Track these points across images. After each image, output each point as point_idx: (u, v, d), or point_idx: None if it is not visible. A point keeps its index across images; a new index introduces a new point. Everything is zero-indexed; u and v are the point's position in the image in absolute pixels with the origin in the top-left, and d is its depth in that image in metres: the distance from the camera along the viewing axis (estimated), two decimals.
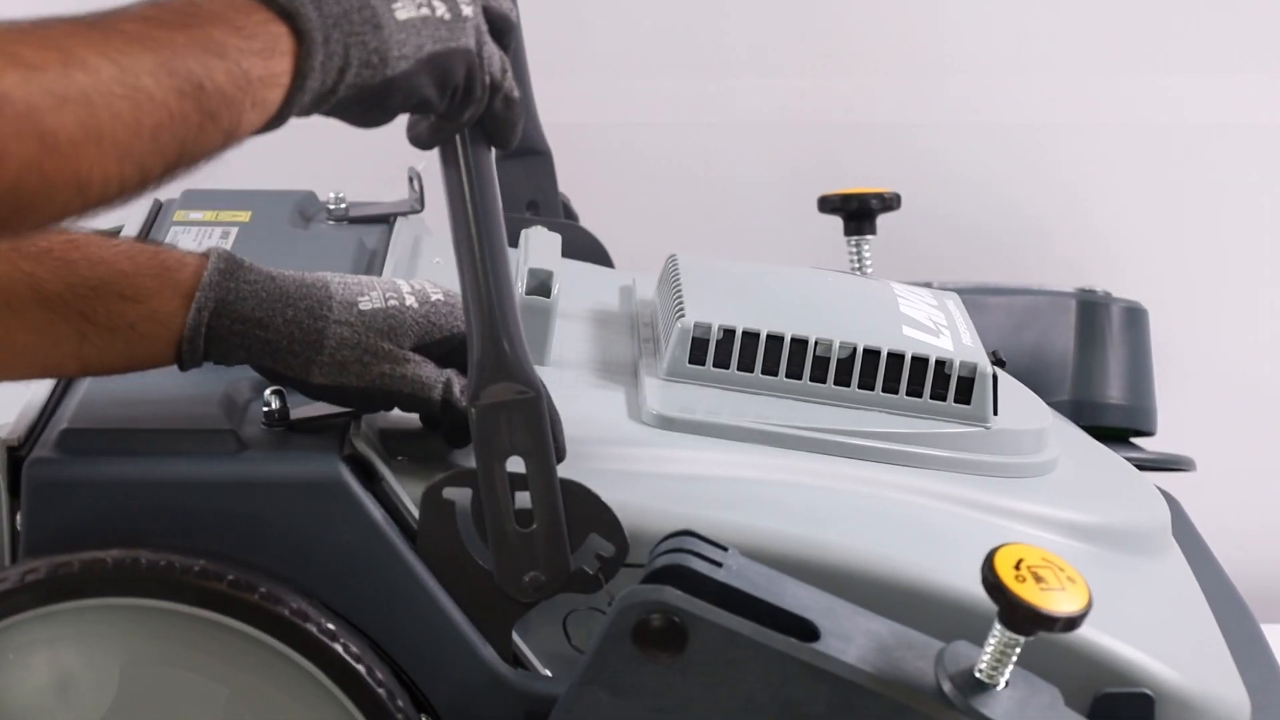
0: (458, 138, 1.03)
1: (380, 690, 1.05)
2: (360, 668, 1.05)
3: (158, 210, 1.47)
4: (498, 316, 1.03)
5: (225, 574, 1.04)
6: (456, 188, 1.03)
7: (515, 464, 1.05)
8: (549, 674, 1.09)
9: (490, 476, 1.05)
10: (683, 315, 1.22)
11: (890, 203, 1.55)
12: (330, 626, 1.05)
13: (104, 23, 0.86)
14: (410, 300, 1.10)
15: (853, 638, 0.99)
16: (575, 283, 1.38)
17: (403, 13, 0.97)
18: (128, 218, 1.44)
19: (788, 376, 1.21)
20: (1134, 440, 1.59)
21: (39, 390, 1.14)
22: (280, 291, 1.08)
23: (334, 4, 0.94)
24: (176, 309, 1.06)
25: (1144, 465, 1.47)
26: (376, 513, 1.06)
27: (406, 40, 0.97)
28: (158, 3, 0.89)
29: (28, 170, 0.82)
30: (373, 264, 1.35)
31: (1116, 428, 1.58)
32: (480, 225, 1.03)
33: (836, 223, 1.57)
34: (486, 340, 1.03)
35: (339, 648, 1.05)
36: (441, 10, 0.99)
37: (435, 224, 1.54)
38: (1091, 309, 1.59)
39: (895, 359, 1.21)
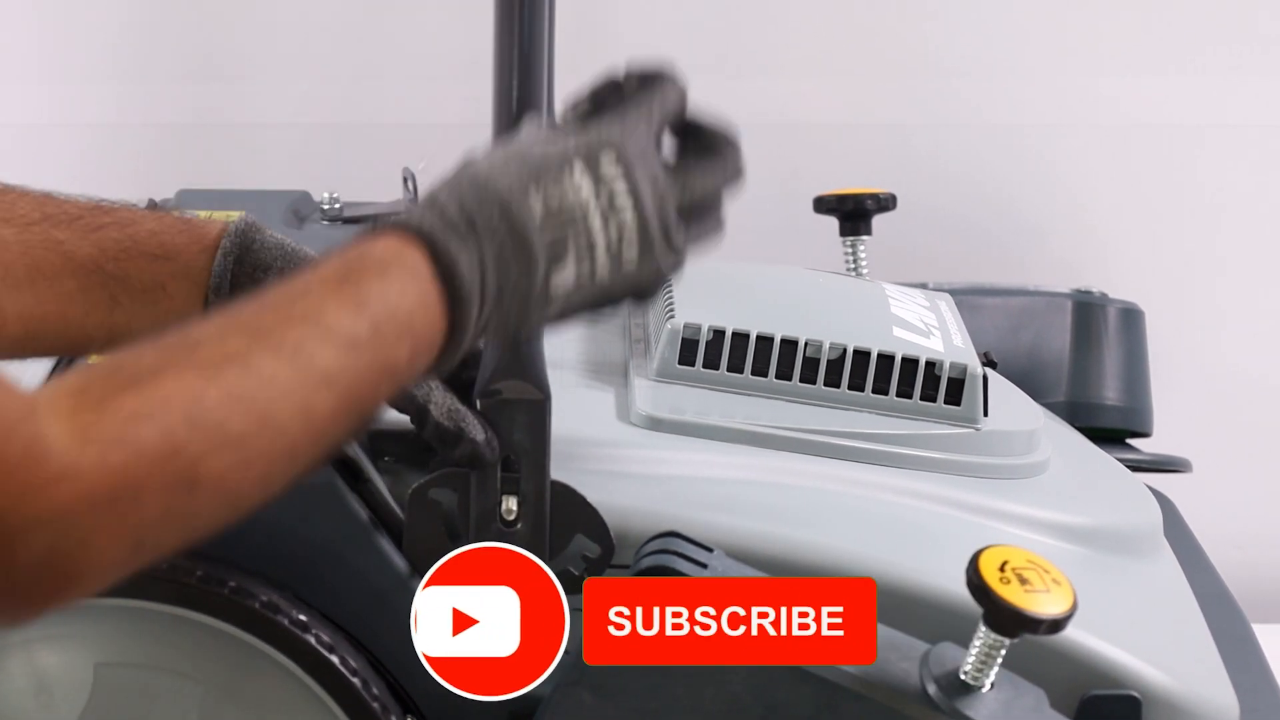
0: None
1: (354, 679, 1.05)
2: (333, 658, 1.05)
3: (153, 210, 1.47)
4: None
5: (195, 569, 1.04)
6: None
7: None
8: None
9: (484, 471, 1.05)
10: (672, 316, 1.22)
11: (886, 203, 1.55)
12: (302, 618, 1.05)
13: (308, 352, 0.84)
14: None
15: None
16: None
17: (560, 286, 0.91)
18: None
19: (777, 377, 1.21)
20: (1130, 441, 1.58)
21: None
22: (301, 252, 1.08)
23: (494, 276, 0.89)
24: (205, 263, 1.06)
25: (1140, 466, 1.47)
26: (363, 513, 1.06)
27: (563, 313, 0.93)
28: (370, 314, 0.86)
29: (240, 510, 0.84)
30: None
31: (1113, 429, 1.58)
32: None
33: (832, 223, 1.56)
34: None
35: (311, 639, 1.05)
36: (629, 248, 0.93)
37: None
38: (1087, 310, 1.59)
39: (885, 360, 1.21)
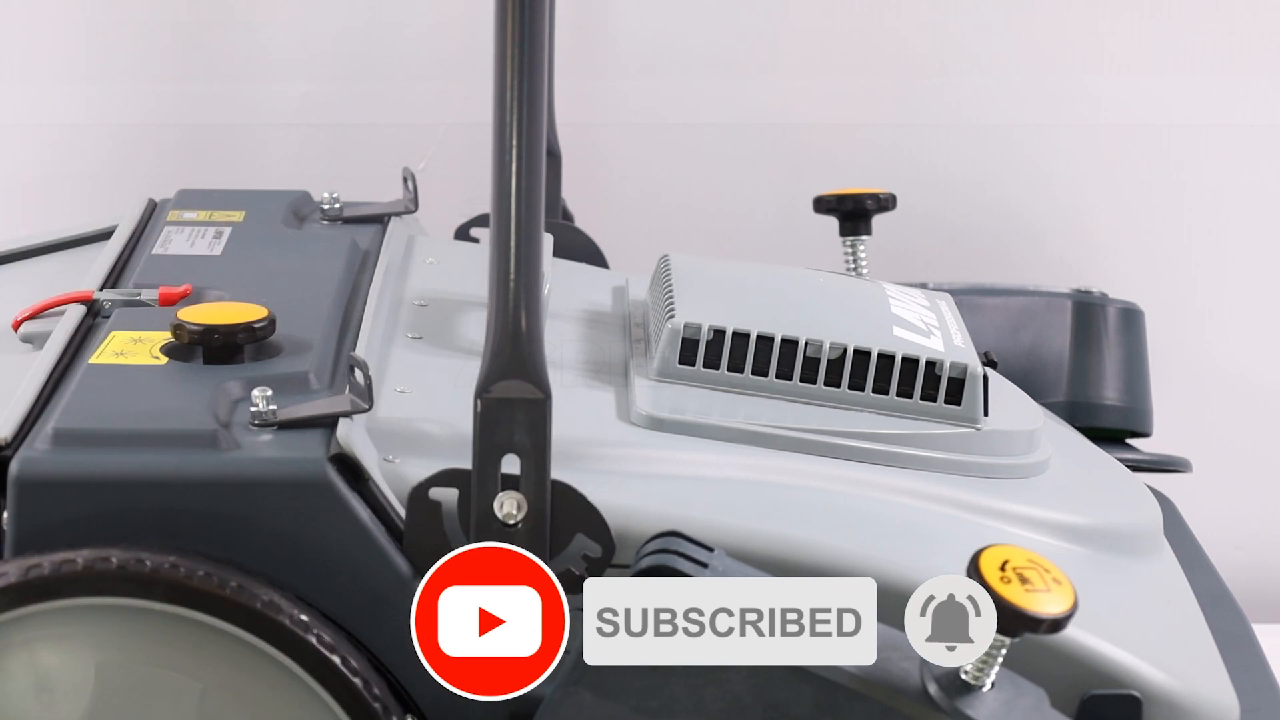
0: None
1: (355, 680, 1.05)
2: (334, 658, 1.05)
3: (152, 209, 1.47)
4: (521, 312, 1.03)
5: (196, 569, 1.04)
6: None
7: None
8: None
9: (484, 471, 1.05)
10: (673, 315, 1.22)
11: (885, 203, 1.55)
12: (303, 618, 1.05)
13: None
14: None
15: None
16: (568, 283, 1.38)
17: None
18: (121, 217, 1.45)
19: (778, 377, 1.21)
20: (1130, 441, 1.58)
21: (27, 388, 1.13)
22: None
23: None
24: None
25: (1140, 466, 1.47)
26: (363, 512, 1.06)
27: None
28: None
29: None
30: (365, 264, 1.35)
31: (1113, 429, 1.57)
32: (520, 217, 1.03)
33: (832, 223, 1.56)
34: (505, 335, 1.03)
35: (312, 639, 1.05)
36: None
37: (429, 224, 1.54)
38: (1087, 310, 1.59)
39: (886, 360, 1.21)
